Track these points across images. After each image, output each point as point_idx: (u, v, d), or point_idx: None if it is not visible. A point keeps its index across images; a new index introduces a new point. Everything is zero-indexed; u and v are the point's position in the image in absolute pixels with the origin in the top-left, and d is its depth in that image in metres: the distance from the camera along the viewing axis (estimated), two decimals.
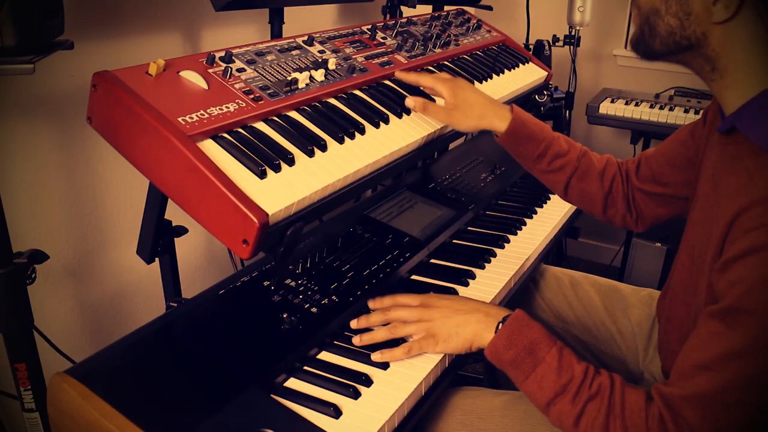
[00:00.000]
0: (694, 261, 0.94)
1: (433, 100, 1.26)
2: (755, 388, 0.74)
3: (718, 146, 0.91)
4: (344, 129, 1.07)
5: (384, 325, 1.03)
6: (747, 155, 0.82)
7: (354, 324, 1.05)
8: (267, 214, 0.83)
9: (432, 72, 1.43)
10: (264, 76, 1.08)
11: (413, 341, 0.99)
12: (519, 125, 1.21)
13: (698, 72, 0.89)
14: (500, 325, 0.95)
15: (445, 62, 1.52)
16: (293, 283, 1.10)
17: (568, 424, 0.87)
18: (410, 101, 1.22)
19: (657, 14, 0.85)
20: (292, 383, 0.92)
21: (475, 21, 1.81)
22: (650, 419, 0.81)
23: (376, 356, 0.98)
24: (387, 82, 1.29)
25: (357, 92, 1.21)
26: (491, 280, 1.23)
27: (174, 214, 1.06)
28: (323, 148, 1.01)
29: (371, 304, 1.09)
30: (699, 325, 0.81)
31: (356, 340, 1.01)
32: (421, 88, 1.27)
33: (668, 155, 1.16)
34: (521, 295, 1.35)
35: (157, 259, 1.14)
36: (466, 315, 0.99)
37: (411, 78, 1.27)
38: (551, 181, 1.27)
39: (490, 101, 1.25)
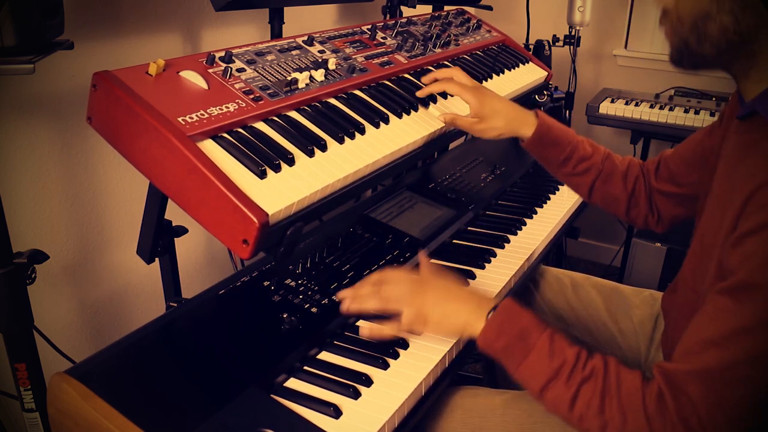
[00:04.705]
0: (703, 248, 0.93)
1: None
2: (763, 365, 0.73)
3: (736, 135, 0.92)
4: (344, 129, 1.07)
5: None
6: (765, 139, 0.82)
7: (343, 301, 1.03)
8: (267, 214, 0.84)
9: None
10: (264, 76, 1.08)
11: (403, 321, 0.97)
12: (545, 130, 1.24)
13: (737, 73, 0.89)
14: (490, 314, 0.94)
15: (445, 62, 1.52)
16: (293, 283, 1.10)
17: (563, 409, 0.85)
18: (441, 117, 1.26)
19: (707, 17, 0.83)
20: (292, 383, 0.92)
21: (475, 21, 1.81)
22: (647, 398, 0.79)
23: (364, 329, 0.99)
24: (387, 82, 1.29)
25: (357, 92, 1.21)
26: (491, 279, 1.23)
27: (174, 214, 1.06)
28: (323, 148, 1.01)
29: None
30: (706, 302, 0.80)
31: (344, 306, 1.01)
32: (448, 94, 1.29)
33: (685, 155, 1.17)
34: (521, 296, 1.34)
35: (157, 259, 1.14)
36: (458, 304, 0.97)
37: (436, 88, 1.29)
38: (575, 184, 1.29)
39: (515, 108, 1.27)
